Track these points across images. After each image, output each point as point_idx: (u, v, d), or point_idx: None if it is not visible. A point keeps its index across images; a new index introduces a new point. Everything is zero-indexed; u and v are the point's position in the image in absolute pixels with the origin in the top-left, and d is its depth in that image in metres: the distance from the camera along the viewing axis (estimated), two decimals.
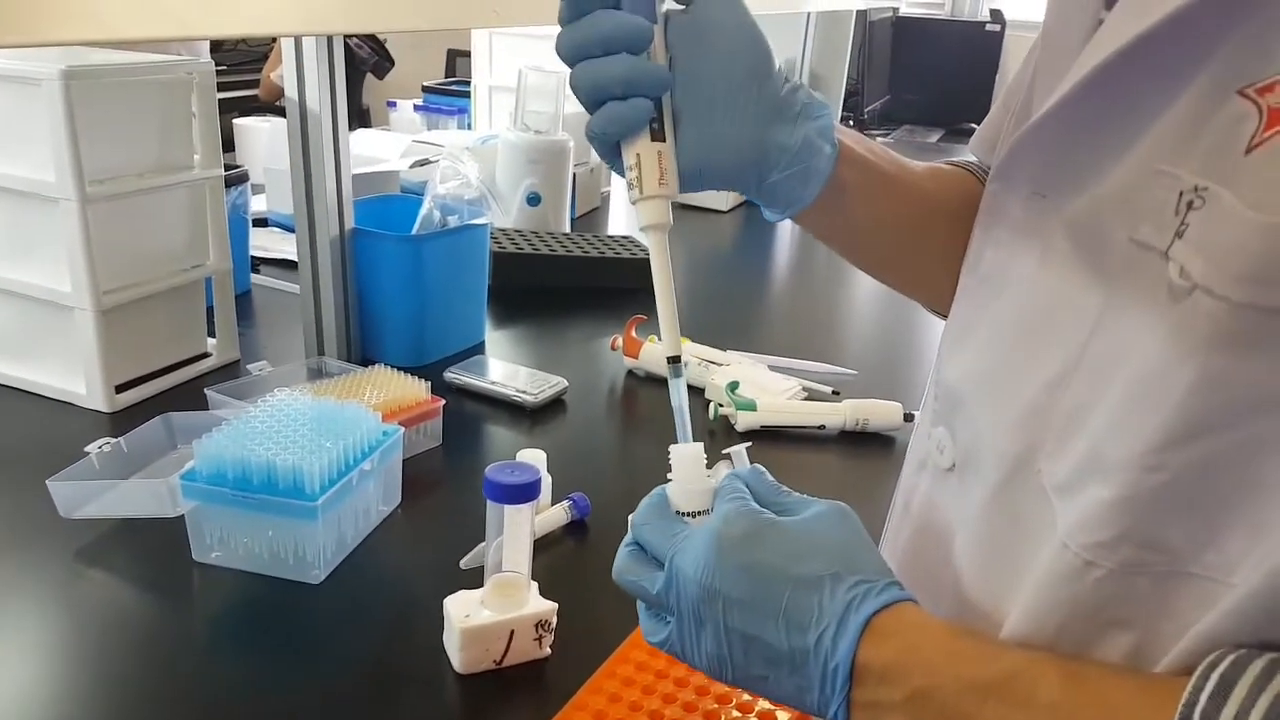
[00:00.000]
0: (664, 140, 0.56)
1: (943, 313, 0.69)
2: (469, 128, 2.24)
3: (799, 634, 0.48)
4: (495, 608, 0.75)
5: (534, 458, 0.94)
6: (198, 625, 0.81)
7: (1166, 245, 0.42)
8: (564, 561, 0.90)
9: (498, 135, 1.81)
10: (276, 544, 0.83)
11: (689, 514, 0.54)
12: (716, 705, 0.72)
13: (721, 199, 2.22)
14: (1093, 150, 0.48)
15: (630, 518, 0.54)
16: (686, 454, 0.55)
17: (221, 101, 2.49)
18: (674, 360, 0.57)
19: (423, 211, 1.27)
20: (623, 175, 0.57)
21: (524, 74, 1.72)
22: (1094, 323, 0.47)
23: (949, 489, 0.58)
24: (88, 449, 0.91)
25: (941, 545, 0.59)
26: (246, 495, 0.81)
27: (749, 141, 0.57)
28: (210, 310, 1.24)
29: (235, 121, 2.08)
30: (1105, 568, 0.44)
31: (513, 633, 0.75)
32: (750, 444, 0.58)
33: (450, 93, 2.46)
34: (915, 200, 0.67)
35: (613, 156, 0.58)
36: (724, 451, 0.57)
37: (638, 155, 0.56)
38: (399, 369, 1.08)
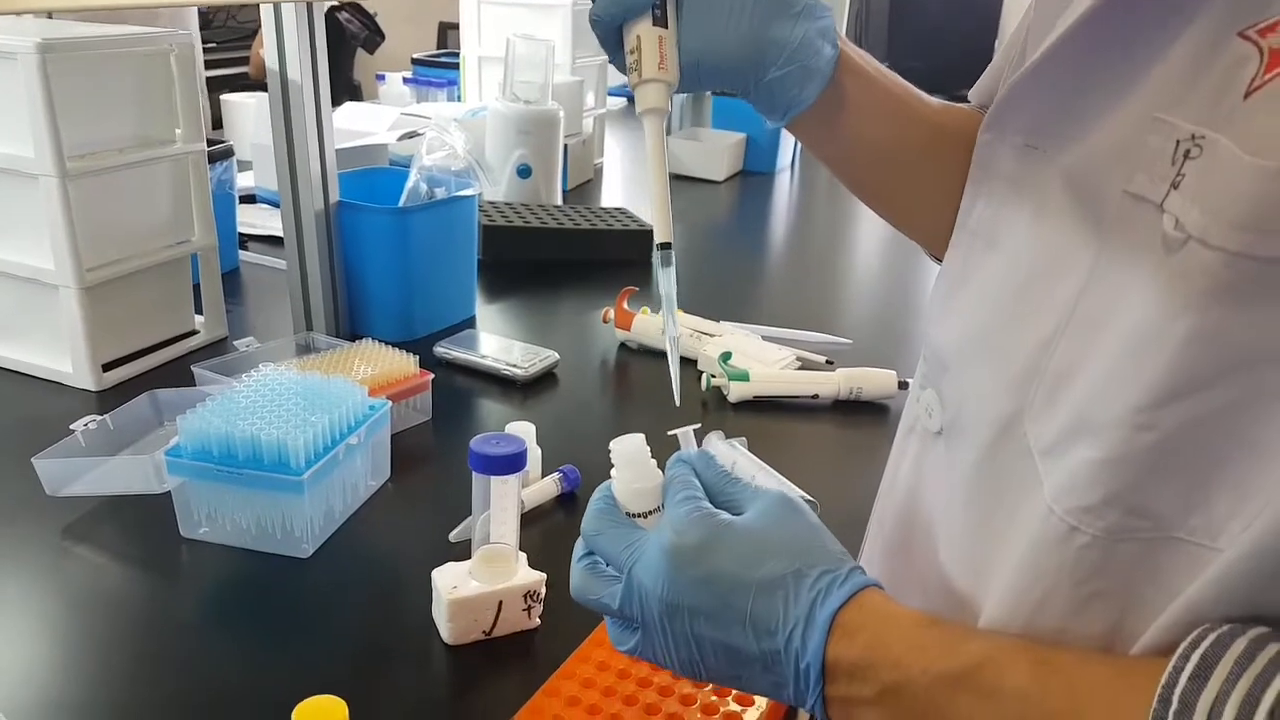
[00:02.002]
0: (665, 27, 0.56)
1: (941, 257, 0.68)
2: (459, 100, 2.22)
3: (767, 638, 0.47)
4: (483, 579, 0.74)
5: (523, 430, 0.93)
6: (186, 601, 0.81)
7: (1162, 196, 0.41)
8: (554, 533, 0.90)
9: (487, 107, 1.79)
10: (264, 519, 0.83)
11: (640, 514, 0.52)
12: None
13: (717, 169, 2.20)
14: (1086, 99, 0.47)
15: (581, 527, 0.52)
16: (630, 450, 0.53)
17: (211, 79, 2.47)
18: (664, 247, 0.56)
19: (409, 184, 1.25)
20: (623, 68, 0.57)
21: (512, 43, 1.70)
22: (1085, 279, 0.46)
23: (936, 454, 0.57)
24: (73, 426, 0.90)
25: (928, 513, 0.58)
26: (232, 470, 0.81)
27: (748, 36, 0.57)
28: (197, 287, 1.23)
29: (222, 98, 2.07)
30: (1090, 534, 0.43)
31: (501, 603, 0.75)
32: (699, 426, 0.57)
33: (440, 65, 2.44)
34: (921, 125, 0.65)
35: (614, 47, 0.58)
36: (670, 433, 0.56)
37: (638, 38, 0.56)
38: (388, 344, 1.07)
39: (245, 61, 3.32)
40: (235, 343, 1.14)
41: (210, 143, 1.39)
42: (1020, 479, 0.48)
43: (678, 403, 0.56)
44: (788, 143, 2.40)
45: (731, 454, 0.97)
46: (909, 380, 1.19)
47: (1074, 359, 0.46)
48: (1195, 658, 0.37)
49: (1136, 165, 0.43)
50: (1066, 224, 0.48)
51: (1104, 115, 0.46)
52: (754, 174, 2.31)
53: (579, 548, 0.53)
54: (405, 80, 2.39)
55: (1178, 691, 0.36)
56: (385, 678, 0.72)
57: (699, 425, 0.56)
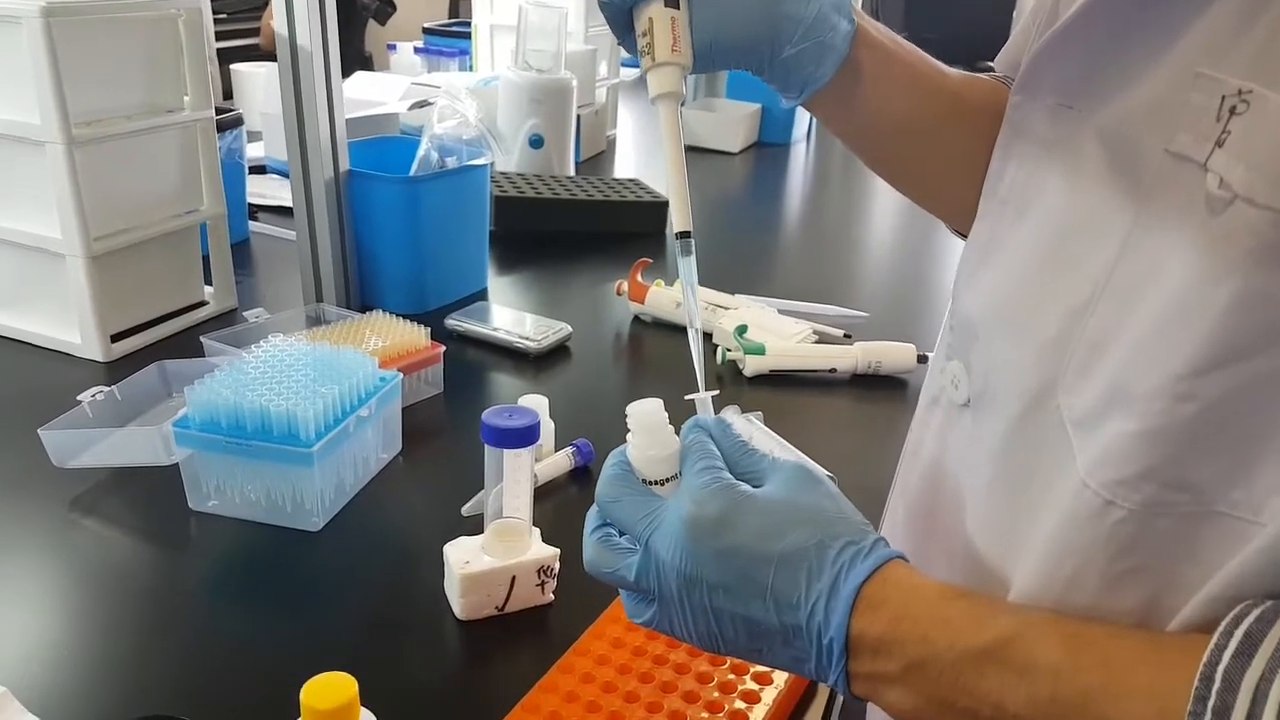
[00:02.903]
0: (677, 7, 0.55)
1: (965, 231, 0.66)
2: (470, 69, 2.19)
3: (789, 611, 0.45)
4: (496, 554, 0.73)
5: (536, 404, 0.92)
6: (195, 574, 0.79)
7: (1205, 155, 0.40)
8: (568, 507, 0.88)
9: (499, 76, 1.76)
10: (273, 491, 0.82)
11: (656, 482, 0.50)
12: None
13: (732, 140, 2.17)
14: (1125, 55, 0.45)
15: (596, 493, 0.51)
16: (647, 415, 0.51)
17: (221, 51, 2.45)
18: (684, 236, 0.54)
19: (420, 153, 1.23)
20: (634, 51, 0.56)
21: (524, 10, 1.67)
22: (1122, 242, 0.44)
23: (962, 427, 0.56)
24: (80, 397, 0.89)
25: (953, 487, 0.56)
26: (241, 442, 0.79)
27: (762, 12, 0.55)
28: (207, 258, 1.22)
29: (232, 68, 2.05)
30: (1126, 508, 0.42)
31: (514, 579, 0.73)
32: (718, 392, 0.55)
33: (451, 34, 2.41)
34: (942, 98, 0.63)
35: (624, 29, 0.57)
36: (687, 398, 0.54)
37: (650, 20, 0.54)
38: (399, 315, 1.05)
39: (256, 33, 3.29)
40: (245, 314, 1.12)
41: (219, 111, 1.37)
42: (1052, 451, 0.46)
43: (702, 393, 0.54)
44: (803, 114, 2.36)
45: (748, 429, 0.95)
46: (928, 354, 1.18)
47: (1110, 327, 0.44)
48: (1239, 634, 0.36)
49: (1178, 123, 0.41)
50: (1102, 186, 0.46)
51: (1143, 71, 0.44)
52: (769, 145, 2.28)
53: (592, 517, 0.52)
54: (416, 50, 2.36)
55: (1221, 669, 0.35)
56: (396, 654, 0.70)
57: (717, 392, 0.55)
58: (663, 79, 0.55)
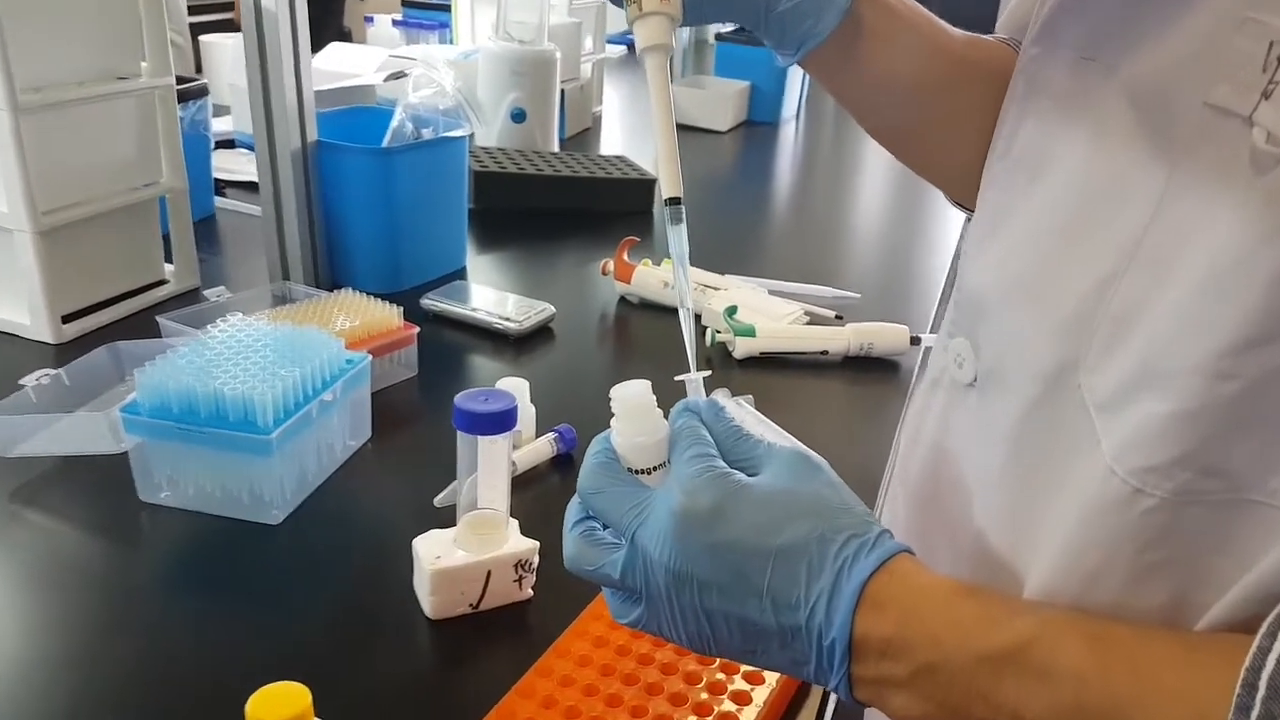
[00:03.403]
0: None
1: (968, 204, 0.62)
2: (451, 43, 2.13)
3: (788, 611, 0.41)
4: (470, 548, 0.68)
5: (515, 387, 0.86)
6: (147, 571, 0.74)
7: (1251, 108, 0.36)
8: (549, 497, 0.83)
9: (480, 49, 1.70)
10: (230, 482, 0.76)
11: (643, 470, 0.46)
12: None
13: (721, 119, 2.12)
14: (1155, 1, 0.41)
15: (578, 483, 0.46)
16: (633, 398, 0.46)
17: (194, 25, 2.37)
18: (674, 202, 0.49)
19: (394, 124, 1.17)
20: (619, 2, 0.52)
21: None
22: (1154, 207, 0.40)
23: (968, 408, 0.51)
24: (23, 381, 0.83)
25: (958, 473, 0.52)
26: (194, 429, 0.74)
27: None
28: (168, 235, 1.15)
29: (201, 39, 1.98)
30: (1157, 496, 0.38)
31: (489, 574, 0.68)
32: (710, 372, 0.50)
33: (431, 6, 2.34)
34: (945, 59, 0.59)
35: None
36: (677, 379, 0.49)
37: None
38: (372, 295, 0.99)
39: (230, 8, 3.21)
40: (205, 292, 1.06)
41: (183, 80, 1.31)
42: (1073, 436, 0.42)
43: (693, 374, 0.49)
44: (793, 92, 2.31)
45: (738, 413, 0.90)
46: (920, 335, 1.13)
47: (1140, 299, 0.40)
48: None
49: (1219, 73, 0.37)
50: (1131, 145, 0.42)
51: (1178, 18, 0.40)
52: (759, 124, 2.23)
53: (574, 509, 0.47)
54: (395, 22, 2.29)
55: (1265, 675, 0.32)
56: (361, 655, 0.65)
57: (709, 373, 0.50)
58: (650, 30, 0.51)
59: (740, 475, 0.44)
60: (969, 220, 0.61)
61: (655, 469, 0.46)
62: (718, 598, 0.42)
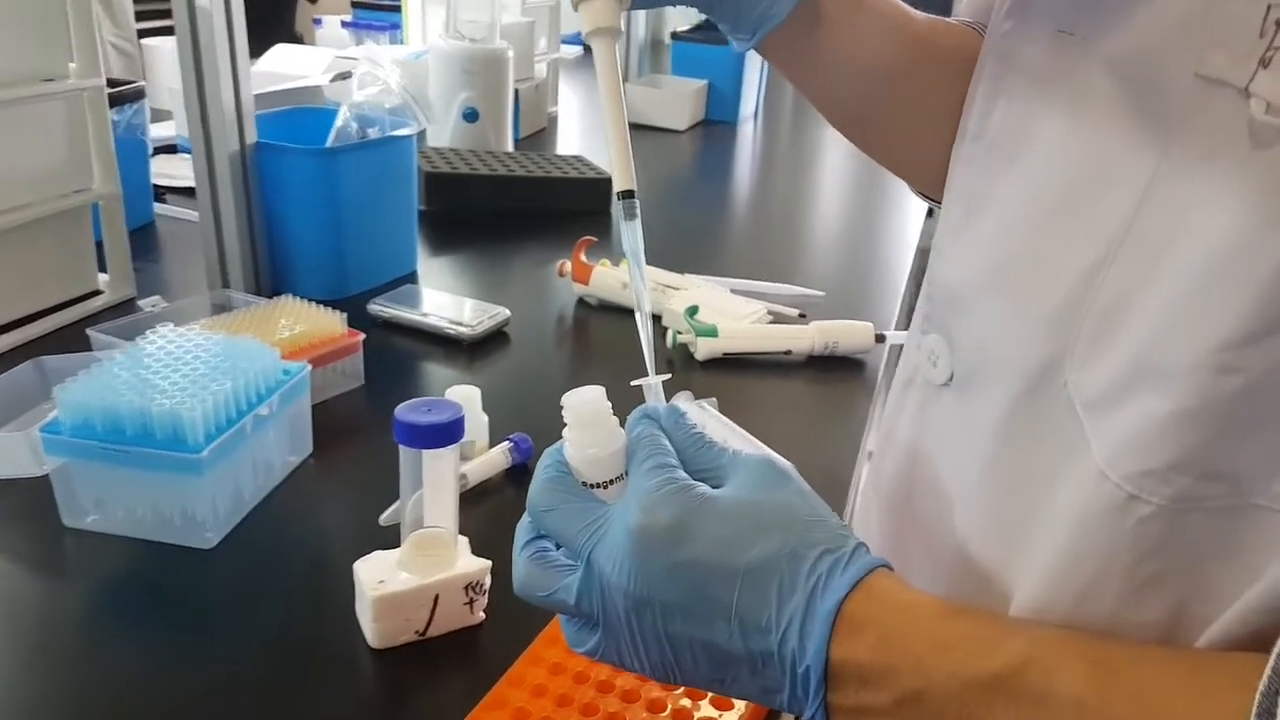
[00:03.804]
0: None
1: (933, 195, 0.59)
2: (402, 43, 2.08)
3: (758, 636, 0.38)
4: (415, 570, 0.64)
5: (465, 396, 0.82)
6: (73, 601, 0.69)
7: (1247, 78, 0.33)
8: (503, 512, 0.79)
9: (430, 48, 1.66)
10: (160, 504, 0.71)
11: (599, 484, 0.43)
12: None
13: (678, 118, 2.09)
14: None
15: (528, 501, 0.43)
16: (585, 405, 0.43)
17: (145, 31, 2.29)
18: (627, 196, 0.46)
19: (338, 123, 1.13)
20: None
21: None
22: (1143, 188, 0.37)
23: (944, 409, 0.48)
24: None
25: (936, 479, 0.49)
26: (119, 449, 0.69)
27: None
28: (102, 244, 1.10)
29: (142, 42, 1.91)
30: (1154, 503, 0.35)
31: (437, 598, 0.64)
32: (669, 375, 0.47)
33: (381, 7, 2.29)
34: (908, 42, 0.56)
35: None
36: (634, 383, 0.46)
37: None
38: (317, 302, 0.95)
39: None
40: (139, 302, 1.01)
41: (118, 83, 1.26)
42: (1059, 438, 0.39)
43: (651, 378, 0.46)
44: (750, 91, 2.28)
45: (701, 416, 0.87)
46: (886, 333, 1.11)
47: (1131, 289, 0.37)
48: None
49: (1210, 41, 0.35)
50: (1116, 122, 0.39)
51: None
52: (717, 123, 2.20)
53: (524, 529, 0.44)
54: (344, 24, 2.24)
55: None
56: (301, 688, 0.61)
57: (669, 376, 0.46)
58: (596, 12, 0.48)
59: (703, 487, 0.40)
60: (931, 214, 0.58)
61: (612, 482, 0.42)
62: (681, 622, 0.39)
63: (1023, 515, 0.42)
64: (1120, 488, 0.36)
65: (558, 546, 0.43)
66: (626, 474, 0.43)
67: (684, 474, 0.41)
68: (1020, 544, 0.42)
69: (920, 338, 0.51)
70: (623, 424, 0.44)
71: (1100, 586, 0.37)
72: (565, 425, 0.43)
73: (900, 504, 0.53)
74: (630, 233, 0.47)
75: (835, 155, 2.00)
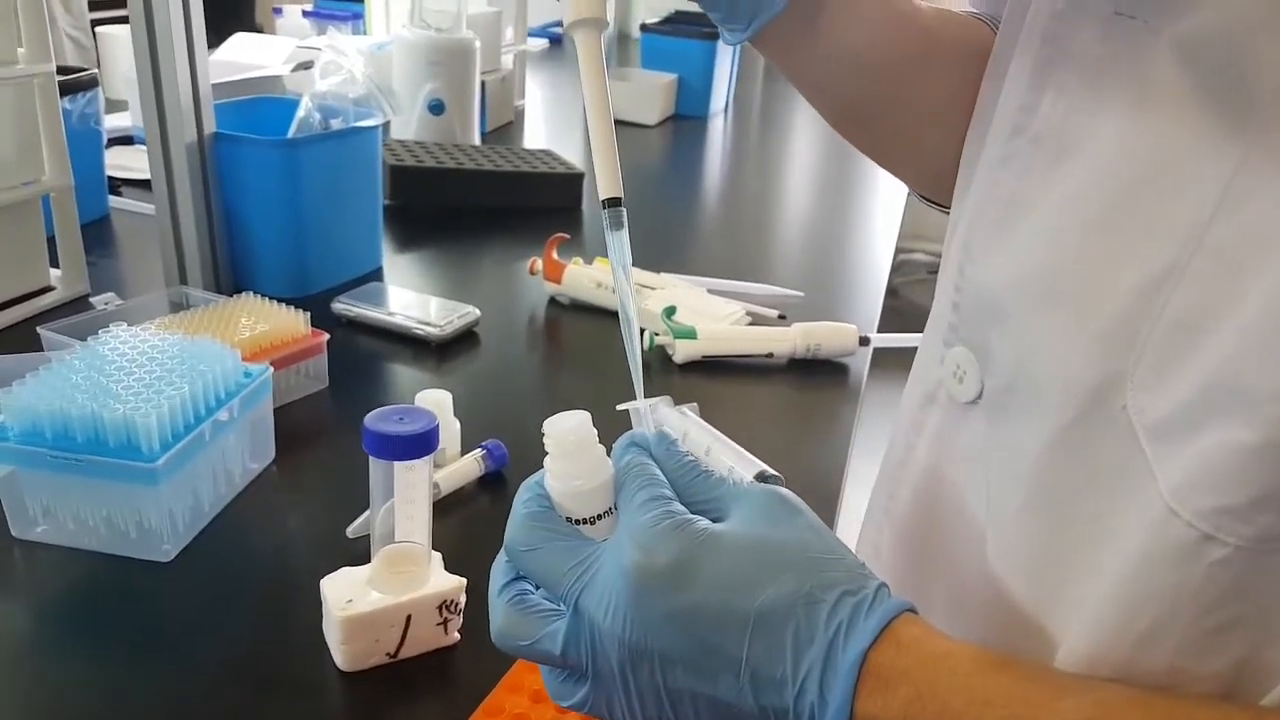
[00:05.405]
0: None
1: (932, 195, 0.56)
2: (364, 33, 2.03)
3: (771, 691, 0.34)
4: (386, 588, 0.60)
5: (435, 401, 0.79)
6: (20, 617, 0.65)
7: None
8: (477, 524, 0.76)
9: (394, 39, 1.61)
10: (114, 515, 0.67)
11: (585, 520, 0.39)
12: None
13: (649, 112, 2.05)
14: None
15: (506, 538, 0.39)
16: (568, 433, 0.39)
17: (99, 21, 2.22)
18: (613, 204, 0.43)
19: (300, 114, 1.08)
20: None
21: None
22: (1220, 191, 0.33)
23: (972, 431, 0.44)
24: None
25: (963, 511, 0.45)
26: (69, 457, 0.65)
27: None
28: (54, 238, 1.05)
29: (97, 30, 1.85)
30: (1231, 544, 0.32)
31: (409, 618, 0.60)
32: (666, 397, 0.43)
33: None
34: (914, 33, 0.52)
35: None
36: (619, 407, 0.42)
37: None
38: (278, 300, 0.91)
39: None
40: (93, 299, 0.97)
41: (70, 70, 1.21)
42: (1117, 468, 0.36)
43: (639, 401, 0.42)
44: (721, 85, 2.26)
45: (682, 423, 0.84)
46: (870, 336, 1.08)
47: (1205, 302, 0.33)
48: None
49: None
50: (1187, 116, 0.36)
51: None
52: (687, 118, 2.17)
53: (501, 570, 0.40)
54: (305, 13, 2.18)
55: None
56: (264, 712, 0.57)
57: (659, 400, 0.43)
58: (580, 1, 0.45)
59: (704, 522, 0.37)
60: (908, 207, 0.55)
61: (600, 517, 0.39)
62: (683, 675, 0.35)
63: (1070, 555, 0.38)
64: (1193, 526, 0.33)
65: (537, 587, 0.40)
66: (615, 508, 0.39)
67: (681, 507, 0.38)
68: (1067, 588, 0.38)
69: (944, 350, 0.47)
70: (610, 452, 0.41)
71: (1161, 636, 0.34)
72: (546, 455, 0.40)
73: (919, 537, 0.50)
74: (617, 244, 0.43)
75: (807, 151, 1.98)
